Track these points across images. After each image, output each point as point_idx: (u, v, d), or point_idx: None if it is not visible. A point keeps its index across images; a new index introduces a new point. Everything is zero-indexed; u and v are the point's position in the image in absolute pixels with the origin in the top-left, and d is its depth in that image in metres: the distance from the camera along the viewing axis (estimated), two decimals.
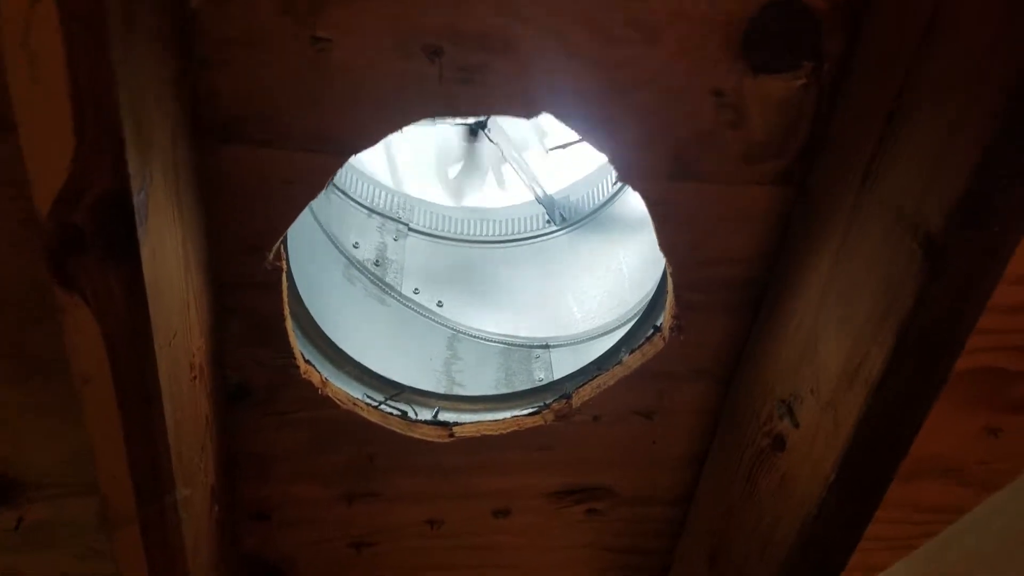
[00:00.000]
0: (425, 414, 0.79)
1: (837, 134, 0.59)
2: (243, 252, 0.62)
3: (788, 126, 0.62)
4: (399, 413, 0.76)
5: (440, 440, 0.77)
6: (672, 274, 0.69)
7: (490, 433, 0.77)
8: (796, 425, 0.63)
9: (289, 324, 0.67)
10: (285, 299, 0.66)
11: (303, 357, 0.70)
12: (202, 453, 0.62)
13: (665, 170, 0.64)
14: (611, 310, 0.94)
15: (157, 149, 0.48)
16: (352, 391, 0.76)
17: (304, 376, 0.70)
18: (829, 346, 0.58)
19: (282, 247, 0.64)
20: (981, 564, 0.56)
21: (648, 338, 0.74)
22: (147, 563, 0.56)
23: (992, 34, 0.43)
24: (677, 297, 0.70)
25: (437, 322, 0.95)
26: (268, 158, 0.58)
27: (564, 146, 1.16)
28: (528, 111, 0.60)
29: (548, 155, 1.29)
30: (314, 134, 0.58)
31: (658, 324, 0.74)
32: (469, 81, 0.57)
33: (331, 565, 0.84)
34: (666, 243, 0.67)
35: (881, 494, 0.58)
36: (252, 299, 0.65)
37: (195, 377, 0.59)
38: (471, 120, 1.15)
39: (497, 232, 1.11)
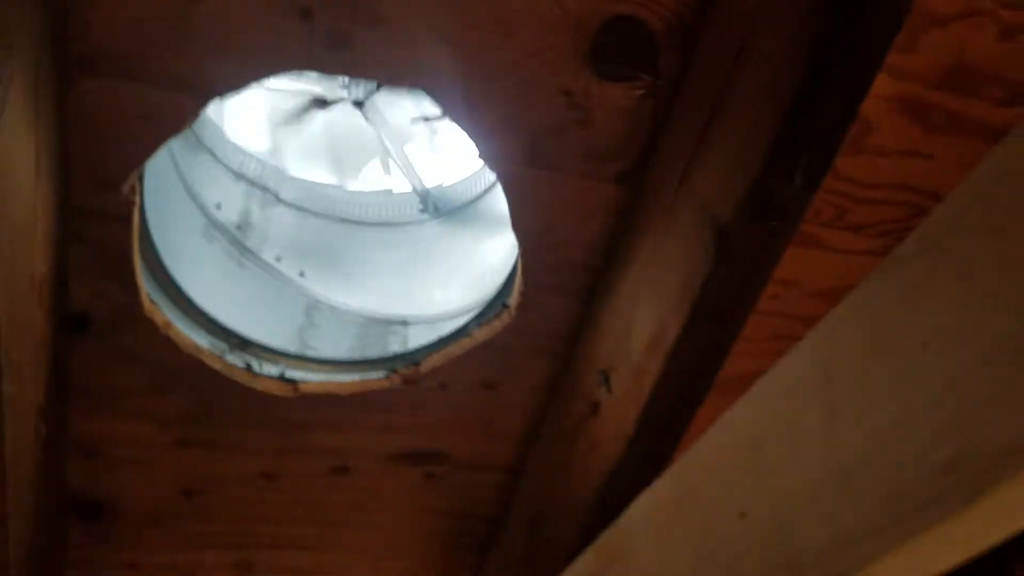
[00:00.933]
0: (272, 371, 0.79)
1: (667, 141, 0.65)
2: (97, 183, 0.62)
3: (628, 131, 0.67)
4: (243, 365, 0.77)
5: (283, 395, 0.78)
6: (522, 255, 0.73)
7: (336, 392, 0.79)
8: (610, 391, 0.68)
9: (137, 261, 0.67)
10: (135, 235, 0.65)
11: (149, 297, 0.70)
12: (35, 366, 0.61)
13: (520, 157, 0.68)
14: (471, 294, 0.97)
15: (18, 57, 0.48)
16: (198, 339, 0.76)
17: (147, 315, 0.69)
18: (642, 322, 0.64)
19: (137, 184, 0.63)
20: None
21: (497, 314, 0.78)
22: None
23: (779, 63, 0.50)
24: (525, 277, 0.74)
25: (296, 290, 0.96)
26: (128, 92, 0.59)
27: (428, 119, 1.19)
28: (393, 81, 0.63)
29: (434, 150, 1.32)
30: (176, 75, 0.58)
31: (507, 302, 0.78)
32: (337, 46, 0.59)
33: (159, 509, 0.83)
34: (518, 225, 0.71)
35: (675, 446, 0.64)
36: (102, 230, 0.64)
37: (34, 291, 0.58)
38: (353, 98, 1.17)
39: (369, 215, 1.12)
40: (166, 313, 0.72)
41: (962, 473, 0.31)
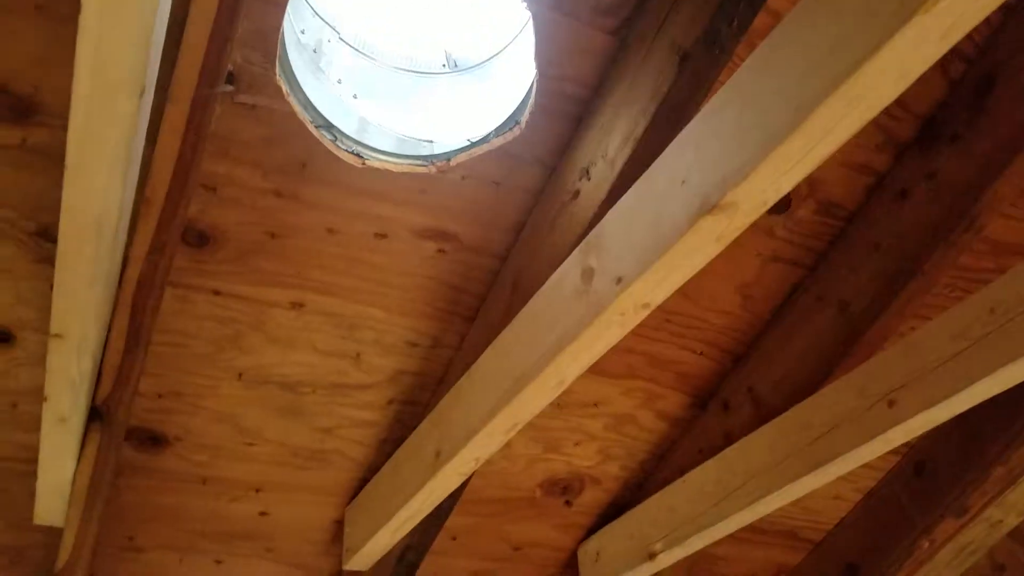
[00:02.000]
0: (346, 146, 1.05)
1: (652, 4, 0.93)
2: None
3: None
4: (330, 138, 1.03)
5: (354, 164, 1.04)
6: (535, 82, 1.01)
7: (390, 169, 1.06)
8: (589, 179, 0.98)
9: (281, 41, 0.92)
10: (285, 21, 0.90)
11: (279, 70, 0.95)
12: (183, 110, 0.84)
13: (548, 3, 0.95)
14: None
15: None
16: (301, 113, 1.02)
17: (276, 82, 0.95)
18: (618, 127, 0.94)
19: None
20: None
21: (510, 128, 1.06)
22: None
23: None
24: (535, 100, 1.02)
25: (351, 107, 1.20)
26: None
27: None
28: None
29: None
30: None
31: (519, 120, 1.06)
32: None
33: (246, 246, 1.09)
34: (538, 57, 0.99)
35: None
36: (262, 11, 0.89)
37: (200, 50, 0.81)
38: None
39: (407, 64, 1.37)
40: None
41: None
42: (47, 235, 1.02)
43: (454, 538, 1.50)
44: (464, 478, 1.16)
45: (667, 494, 1.36)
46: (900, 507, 1.50)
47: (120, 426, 1.09)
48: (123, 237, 0.88)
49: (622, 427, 1.42)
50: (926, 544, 1.43)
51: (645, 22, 0.93)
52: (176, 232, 0.92)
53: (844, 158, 1.13)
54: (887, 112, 1.09)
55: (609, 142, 0.96)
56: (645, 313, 0.85)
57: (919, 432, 1.02)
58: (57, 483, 1.15)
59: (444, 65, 1.40)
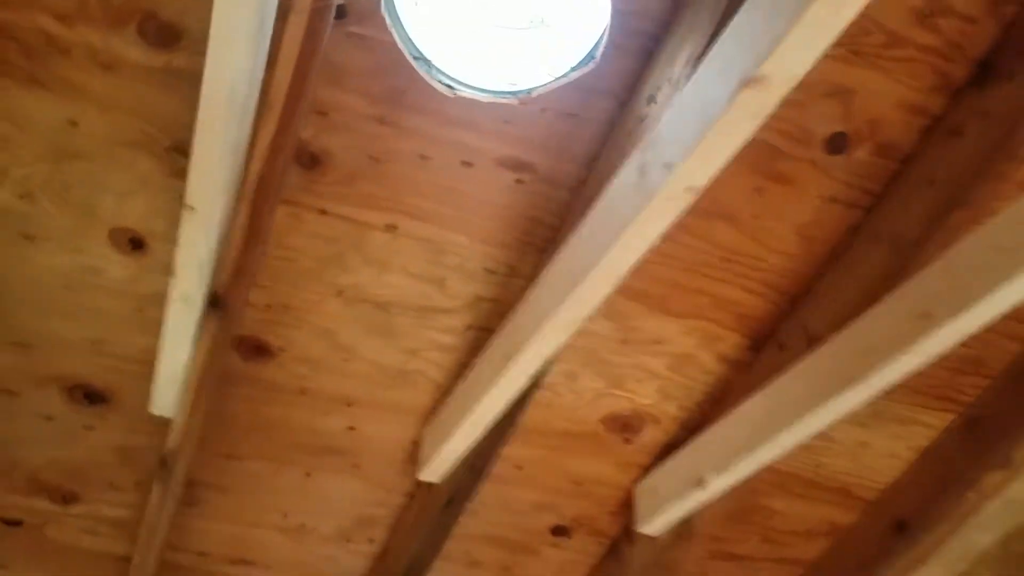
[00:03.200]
0: (440, 78, 1.13)
1: None
2: None
3: None
4: (426, 68, 1.11)
5: (446, 94, 1.12)
6: (610, 19, 1.07)
7: (478, 99, 1.13)
8: (655, 103, 1.02)
9: None
10: None
11: (383, 4, 1.04)
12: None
13: None
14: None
15: None
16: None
17: (382, 12, 1.04)
18: (680, 56, 0.98)
19: None
20: None
21: (586, 64, 1.12)
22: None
23: None
24: (609, 37, 1.08)
25: None
26: None
27: None
28: None
29: None
30: None
31: (595, 54, 1.12)
32: None
33: (351, 170, 1.18)
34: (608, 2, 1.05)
35: None
36: None
37: None
38: None
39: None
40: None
41: None
42: (180, 150, 1.14)
43: (519, 468, 1.54)
44: (531, 379, 1.20)
45: (718, 428, 1.37)
46: (951, 463, 1.46)
47: (235, 318, 1.19)
48: (250, 119, 0.97)
49: (682, 367, 1.43)
50: (972, 497, 1.38)
51: None
52: (292, 137, 1.01)
53: (900, 100, 1.14)
54: (942, 55, 1.10)
55: (674, 67, 1.00)
56: (691, 198, 0.89)
57: (952, 342, 1.01)
58: (174, 371, 1.26)
59: (532, 23, 1.48)
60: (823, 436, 1.53)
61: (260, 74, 0.94)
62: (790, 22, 0.73)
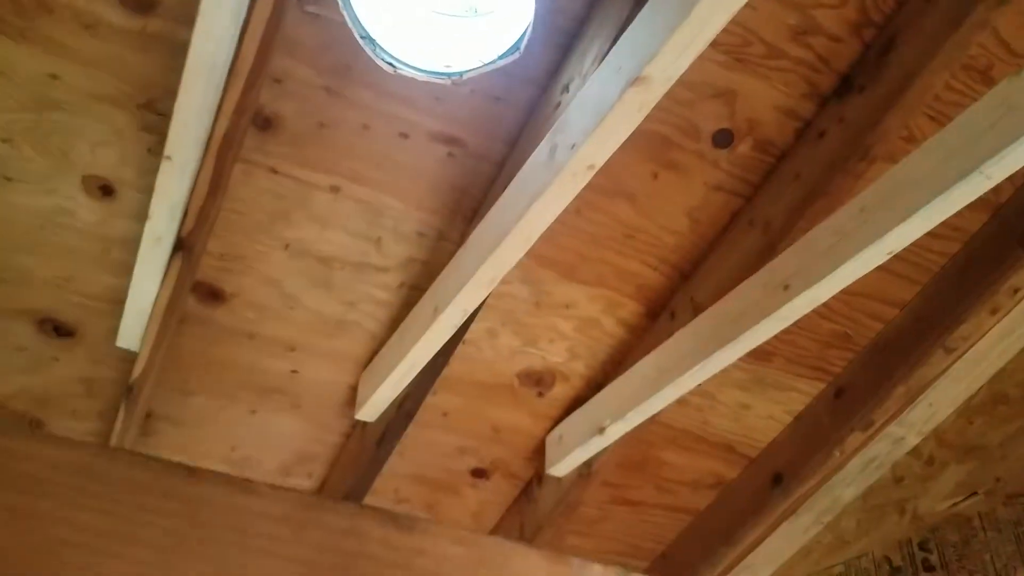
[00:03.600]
0: (383, 56, 1.27)
1: None
2: None
3: None
4: (371, 48, 1.25)
5: (388, 71, 1.26)
6: (534, 16, 1.22)
7: (414, 77, 1.28)
8: (568, 92, 1.18)
9: None
10: None
11: None
12: None
13: None
14: None
15: None
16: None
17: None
18: (592, 48, 1.14)
19: None
20: None
21: (512, 53, 1.27)
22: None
23: None
24: (532, 31, 1.23)
25: None
26: None
27: None
28: None
29: None
30: None
31: (520, 46, 1.26)
32: None
33: (301, 131, 1.31)
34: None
35: None
36: None
37: None
38: None
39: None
40: None
41: None
42: (152, 108, 1.26)
43: (445, 414, 1.70)
44: (455, 329, 1.36)
45: (616, 384, 1.54)
46: (821, 425, 1.66)
47: (196, 260, 1.32)
48: (222, 85, 1.10)
49: (588, 330, 1.60)
50: (837, 454, 1.58)
51: None
52: (254, 101, 1.14)
53: (776, 104, 1.31)
54: (812, 67, 1.28)
55: (584, 63, 1.16)
56: (591, 174, 1.05)
57: (807, 310, 1.19)
58: (141, 307, 1.38)
59: (467, 11, 1.63)
60: (710, 397, 1.72)
61: (235, 44, 1.07)
62: (667, 34, 0.88)
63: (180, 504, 0.45)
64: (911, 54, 1.18)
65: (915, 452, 1.62)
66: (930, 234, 1.36)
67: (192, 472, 0.47)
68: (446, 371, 1.57)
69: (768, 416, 1.75)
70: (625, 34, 0.99)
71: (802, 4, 1.21)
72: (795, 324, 1.45)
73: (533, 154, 1.15)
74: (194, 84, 1.04)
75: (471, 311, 1.32)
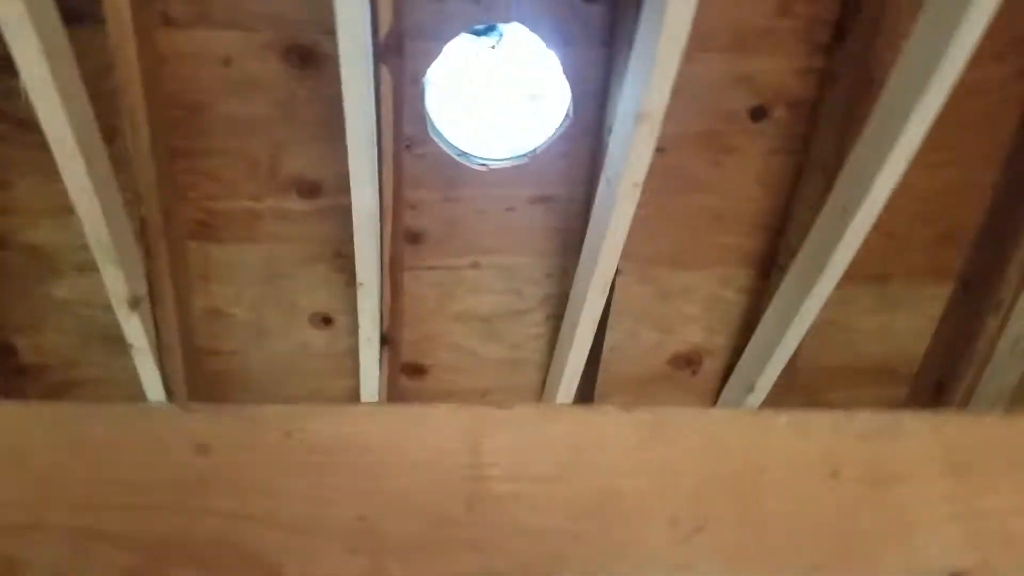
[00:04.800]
0: None
1: None
2: None
3: None
4: (465, 159, 1.67)
5: (482, 170, 1.67)
6: (570, 94, 1.58)
7: (505, 167, 1.67)
8: (611, 133, 1.51)
9: (428, 117, 1.58)
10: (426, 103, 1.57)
11: (430, 131, 1.62)
12: None
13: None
14: None
15: None
16: None
17: (431, 136, 1.61)
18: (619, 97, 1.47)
19: None
20: None
21: (564, 121, 1.63)
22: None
23: None
24: (573, 99, 1.59)
25: None
26: None
27: None
28: None
29: None
30: None
31: (569, 113, 1.62)
32: None
33: (439, 233, 1.75)
34: (567, 81, 1.56)
35: None
36: (413, 99, 1.56)
37: None
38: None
39: None
40: None
41: None
42: (340, 254, 1.77)
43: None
44: (591, 335, 1.69)
45: (751, 343, 1.77)
46: (960, 322, 1.76)
47: (398, 348, 1.79)
48: (378, 226, 1.57)
49: (714, 305, 1.86)
50: (981, 345, 1.68)
51: (617, 33, 1.47)
52: (402, 227, 1.60)
53: (791, 68, 1.54)
54: (806, 30, 1.51)
55: (617, 109, 1.49)
56: (638, 190, 1.36)
57: (866, 229, 1.38)
58: (370, 394, 1.87)
59: (526, 99, 2.02)
60: (853, 330, 1.88)
61: (378, 196, 1.54)
62: (646, 81, 1.20)
63: None
64: None
65: None
66: (987, 113, 1.52)
67: None
68: (604, 376, 1.90)
69: (913, 329, 1.87)
70: (624, 86, 1.32)
71: None
72: (899, 237, 1.63)
73: (598, 188, 1.49)
74: (361, 231, 1.51)
75: (599, 316, 1.65)
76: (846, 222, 1.39)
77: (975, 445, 0.61)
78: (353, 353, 1.89)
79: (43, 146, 1.53)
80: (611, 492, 0.53)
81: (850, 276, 1.53)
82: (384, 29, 1.36)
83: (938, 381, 1.82)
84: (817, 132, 1.58)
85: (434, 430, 0.55)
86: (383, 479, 0.51)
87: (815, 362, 1.91)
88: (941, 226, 1.71)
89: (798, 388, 1.89)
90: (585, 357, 1.76)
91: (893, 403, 1.97)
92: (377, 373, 1.82)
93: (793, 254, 1.67)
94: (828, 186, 1.55)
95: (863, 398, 1.97)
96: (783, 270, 1.74)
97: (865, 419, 0.59)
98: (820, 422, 0.59)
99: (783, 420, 0.59)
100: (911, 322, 1.85)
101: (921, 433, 0.60)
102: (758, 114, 1.59)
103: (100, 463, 0.50)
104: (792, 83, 1.56)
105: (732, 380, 1.87)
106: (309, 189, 1.68)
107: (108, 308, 1.71)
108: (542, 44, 1.53)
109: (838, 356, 1.91)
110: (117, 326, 1.67)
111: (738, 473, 0.56)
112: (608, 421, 0.57)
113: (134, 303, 1.48)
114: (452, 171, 1.68)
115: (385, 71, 1.40)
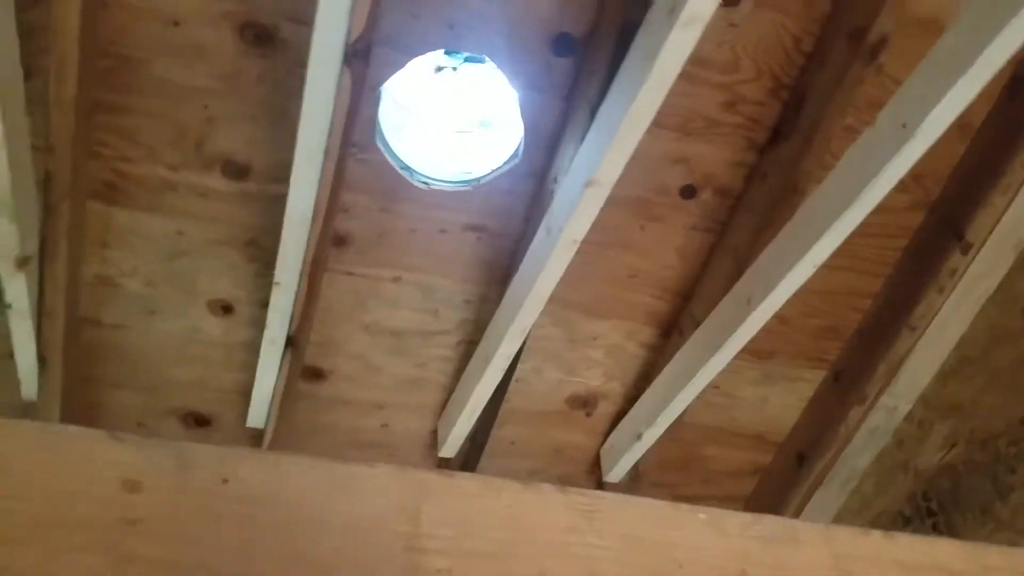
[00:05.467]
0: None
1: None
2: None
3: None
4: (408, 174, 1.66)
5: (423, 188, 1.67)
6: (522, 136, 1.61)
7: (446, 189, 1.68)
8: (556, 182, 1.56)
9: (378, 125, 1.56)
10: (379, 112, 1.55)
11: (378, 140, 1.59)
12: None
13: None
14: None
15: None
16: None
17: (377, 144, 1.59)
18: (568, 151, 1.52)
19: None
20: None
21: (513, 159, 1.66)
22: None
23: None
24: (525, 140, 1.62)
25: None
26: None
27: None
28: None
29: None
30: None
31: (519, 152, 1.66)
32: None
33: (368, 241, 1.72)
34: (522, 116, 1.59)
35: None
36: (370, 107, 1.54)
37: None
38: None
39: None
40: None
41: None
42: (254, 244, 1.70)
43: (512, 443, 2.06)
44: (502, 372, 1.73)
45: (645, 396, 1.88)
46: (828, 406, 1.95)
47: (302, 351, 1.74)
48: (309, 226, 1.52)
49: (616, 354, 1.95)
50: (843, 429, 1.87)
51: (578, 90, 1.53)
52: (330, 230, 1.56)
53: (725, 159, 1.66)
54: (747, 128, 1.63)
55: (564, 161, 1.54)
56: (575, 246, 1.42)
57: (765, 320, 1.52)
58: (264, 394, 1.80)
59: (477, 126, 2.04)
60: (732, 396, 2.04)
61: (315, 195, 1.49)
62: (603, 153, 1.26)
63: None
64: (815, 105, 1.52)
65: (909, 418, 1.89)
66: (885, 234, 1.70)
67: None
68: (506, 406, 1.94)
69: (784, 404, 2.05)
70: (580, 149, 1.37)
71: (727, 83, 1.57)
72: (789, 323, 1.78)
73: (536, 234, 1.53)
74: (291, 230, 1.46)
75: (513, 355, 1.69)
76: (748, 311, 1.51)
77: (862, 556, 0.69)
78: (248, 346, 1.82)
79: None
80: None
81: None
82: (355, 33, 1.33)
83: (800, 454, 2.01)
84: (735, 220, 1.71)
85: (374, 491, 0.54)
86: (317, 540, 0.50)
87: (696, 418, 2.05)
88: (827, 320, 1.90)
89: (679, 440, 2.02)
90: (492, 391, 1.79)
91: (758, 467, 2.15)
92: (274, 375, 1.76)
93: (695, 324, 1.80)
94: (736, 269, 1.68)
95: (734, 458, 2.14)
96: (682, 335, 1.86)
97: (770, 523, 0.66)
98: (733, 521, 0.65)
99: (702, 516, 0.65)
100: (785, 398, 2.04)
101: (816, 542, 0.68)
102: (687, 192, 1.70)
103: (10, 492, 0.45)
104: (723, 172, 1.68)
105: (622, 426, 1.98)
106: (236, 171, 1.61)
107: None
108: (504, 80, 1.56)
109: (717, 416, 2.07)
110: None
111: (657, 566, 0.60)
112: (544, 500, 0.59)
113: (22, 262, 1.35)
114: (392, 182, 1.66)
115: (347, 73, 1.37)
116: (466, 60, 2.11)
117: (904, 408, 1.87)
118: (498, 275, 1.81)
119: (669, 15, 1.04)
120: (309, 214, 1.45)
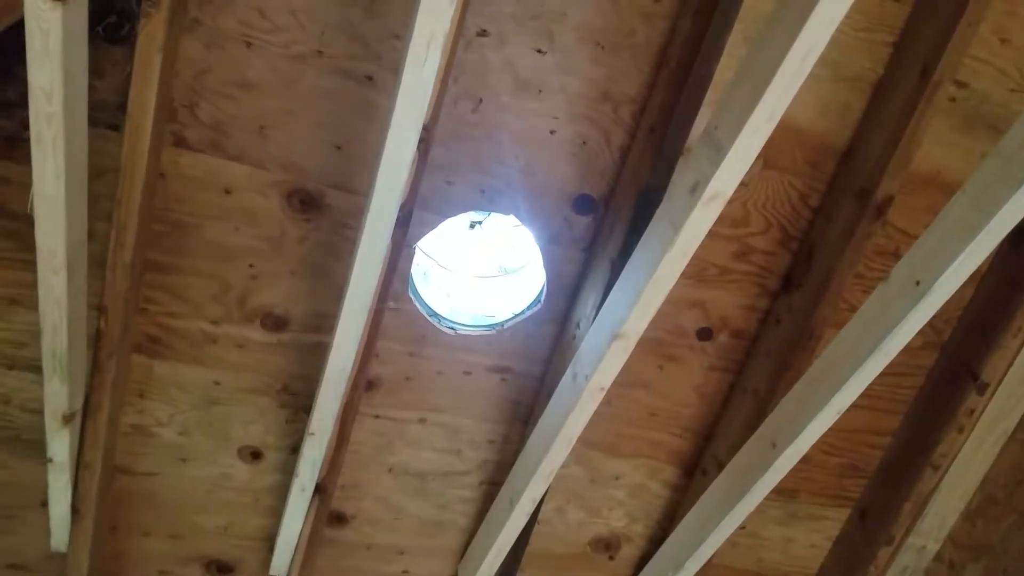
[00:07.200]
0: None
1: None
2: None
3: None
4: (436, 320, 1.74)
5: (450, 333, 1.75)
6: (544, 283, 1.71)
7: (471, 333, 1.76)
8: (579, 328, 1.63)
9: (409, 275, 1.66)
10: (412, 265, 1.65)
11: (409, 290, 1.69)
12: None
13: None
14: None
15: None
16: None
17: (408, 296, 1.68)
18: (591, 298, 1.60)
19: None
20: None
21: (535, 304, 1.75)
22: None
23: None
24: (547, 287, 1.72)
25: None
26: None
27: None
28: None
29: None
30: None
31: (540, 299, 1.74)
32: None
33: (394, 383, 1.78)
34: (544, 265, 1.69)
35: None
36: (405, 262, 1.64)
37: None
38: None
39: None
40: None
41: None
42: (287, 390, 1.76)
43: None
44: (528, 516, 1.73)
45: (671, 539, 1.87)
46: (854, 546, 1.93)
47: (329, 498, 1.75)
48: (346, 378, 1.59)
49: (639, 494, 1.96)
50: (872, 571, 1.85)
51: (598, 244, 1.64)
52: (362, 383, 1.63)
53: (739, 304, 1.75)
54: (759, 275, 1.73)
55: (587, 307, 1.62)
56: (602, 394, 1.47)
57: (792, 464, 1.54)
58: (289, 540, 1.80)
59: (500, 271, 2.15)
60: (757, 537, 2.02)
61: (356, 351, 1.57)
62: (629, 309, 1.34)
63: None
64: (825, 255, 1.62)
65: (938, 557, 1.87)
66: (898, 372, 1.76)
67: None
68: (528, 549, 1.93)
69: (810, 544, 2.03)
70: (607, 301, 1.46)
71: (738, 236, 1.68)
72: (810, 461, 1.80)
73: (562, 379, 1.59)
74: (329, 385, 1.52)
75: (539, 499, 1.71)
76: (775, 455, 1.54)
77: None
78: (275, 491, 1.84)
79: (10, 234, 1.50)
80: None
81: None
82: (401, 201, 1.45)
83: None
84: (752, 362, 1.77)
85: None
86: None
87: (722, 559, 2.03)
88: (847, 458, 1.92)
89: None
90: (517, 535, 1.79)
91: None
92: (300, 521, 1.77)
93: (719, 464, 1.82)
94: (757, 410, 1.73)
95: None
96: (706, 475, 1.88)
97: None
98: None
99: None
100: (811, 537, 2.02)
101: None
102: (704, 334, 1.77)
103: None
104: (738, 316, 1.76)
105: (649, 570, 1.95)
106: (275, 323, 1.69)
107: (30, 410, 1.61)
108: (528, 234, 1.67)
109: (743, 558, 2.04)
110: (35, 430, 1.57)
111: None
112: None
113: (68, 419, 1.40)
114: (421, 329, 1.74)
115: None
116: (488, 215, 2.27)
117: (933, 547, 1.85)
118: (521, 415, 1.86)
119: (691, 193, 1.15)
120: (349, 367, 1.52)
